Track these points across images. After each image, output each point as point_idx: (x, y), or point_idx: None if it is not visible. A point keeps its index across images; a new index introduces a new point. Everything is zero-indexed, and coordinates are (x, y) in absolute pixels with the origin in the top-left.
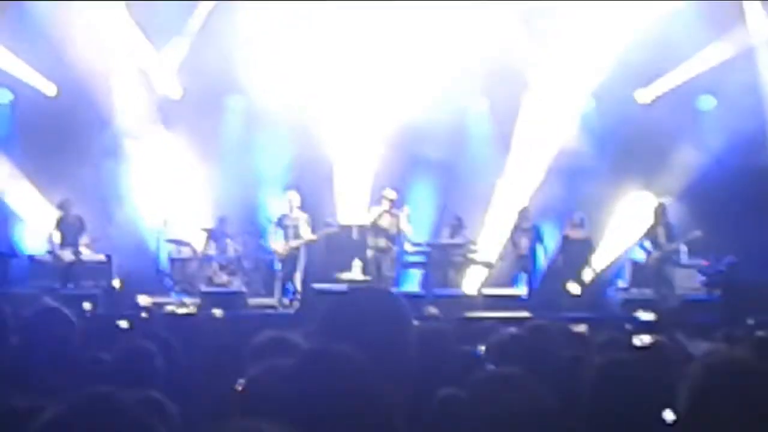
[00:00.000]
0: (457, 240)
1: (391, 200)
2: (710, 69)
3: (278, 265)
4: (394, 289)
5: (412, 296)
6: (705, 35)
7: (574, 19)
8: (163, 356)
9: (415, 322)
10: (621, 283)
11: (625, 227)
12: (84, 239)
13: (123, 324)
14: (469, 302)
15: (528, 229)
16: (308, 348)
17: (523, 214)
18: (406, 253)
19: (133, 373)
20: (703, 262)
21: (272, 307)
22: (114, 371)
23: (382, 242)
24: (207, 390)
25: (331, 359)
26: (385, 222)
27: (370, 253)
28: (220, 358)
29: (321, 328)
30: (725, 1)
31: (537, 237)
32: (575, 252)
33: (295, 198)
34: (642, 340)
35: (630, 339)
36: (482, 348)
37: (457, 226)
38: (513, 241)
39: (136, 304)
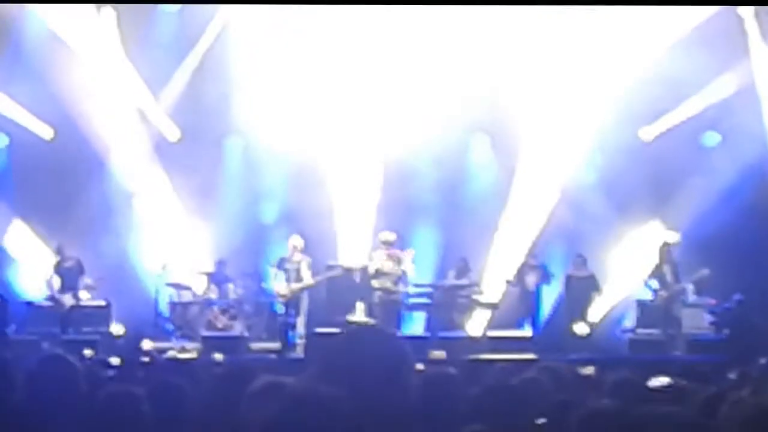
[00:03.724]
0: (462, 282)
1: (389, 242)
2: (714, 105)
3: (280, 309)
4: (396, 332)
5: (416, 338)
6: (709, 72)
7: (578, 56)
8: (164, 402)
9: (420, 366)
10: (627, 324)
11: (630, 267)
12: (83, 283)
13: (114, 361)
14: (474, 344)
15: (536, 267)
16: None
17: (532, 251)
18: (410, 295)
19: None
20: (711, 301)
21: (275, 351)
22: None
23: (387, 283)
24: None
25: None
26: (387, 266)
27: (374, 294)
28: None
29: (320, 370)
30: (729, 37)
31: (544, 275)
32: (580, 291)
33: (298, 242)
34: (660, 381)
35: (641, 380)
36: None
37: (463, 268)
38: (520, 277)
39: (137, 349)
